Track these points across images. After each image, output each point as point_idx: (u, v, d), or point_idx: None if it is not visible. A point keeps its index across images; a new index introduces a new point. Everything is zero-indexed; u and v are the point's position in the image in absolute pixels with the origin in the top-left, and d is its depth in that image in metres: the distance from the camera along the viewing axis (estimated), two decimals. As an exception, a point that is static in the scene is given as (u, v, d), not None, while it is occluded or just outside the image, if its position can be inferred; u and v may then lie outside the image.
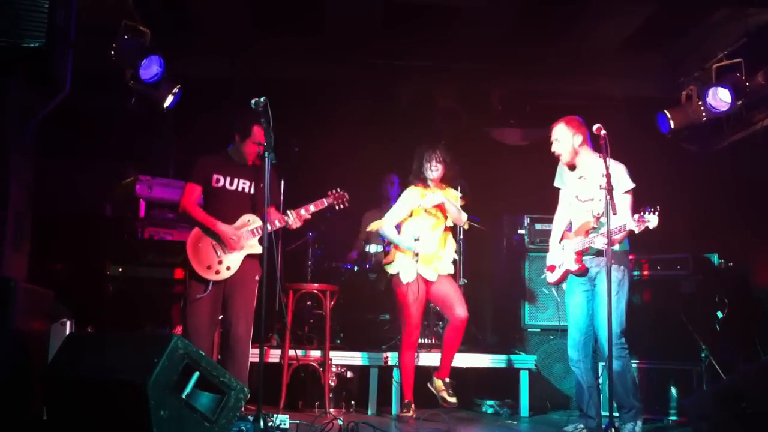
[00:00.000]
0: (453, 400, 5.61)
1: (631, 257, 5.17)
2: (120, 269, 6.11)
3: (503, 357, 6.36)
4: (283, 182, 5.85)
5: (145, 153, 7.56)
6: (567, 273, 5.09)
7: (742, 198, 6.84)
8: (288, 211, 5.17)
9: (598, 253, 4.91)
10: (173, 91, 6.43)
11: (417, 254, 5.54)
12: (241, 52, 7.23)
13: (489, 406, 6.29)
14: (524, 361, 6.29)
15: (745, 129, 6.91)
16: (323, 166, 7.38)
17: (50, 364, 4.29)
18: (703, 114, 6.59)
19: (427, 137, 6.06)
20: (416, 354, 5.80)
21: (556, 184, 5.28)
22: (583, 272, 4.97)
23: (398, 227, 5.75)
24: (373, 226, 5.87)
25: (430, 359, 5.99)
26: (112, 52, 6.02)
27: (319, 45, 7.23)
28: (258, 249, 5.05)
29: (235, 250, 5.00)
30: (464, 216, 5.73)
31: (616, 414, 4.82)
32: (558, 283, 5.28)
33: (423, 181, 5.71)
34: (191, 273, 4.97)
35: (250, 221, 5.10)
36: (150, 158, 7.54)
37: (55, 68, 4.67)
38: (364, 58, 7.31)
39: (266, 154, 4.49)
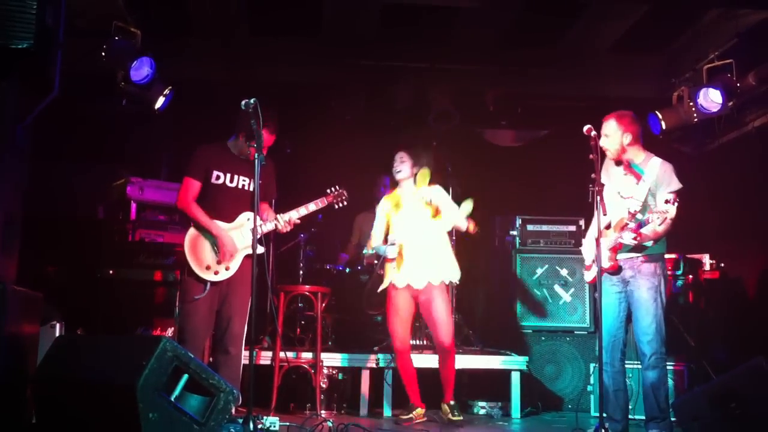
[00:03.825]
0: (455, 418, 5.45)
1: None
2: (111, 271, 6.10)
3: (495, 358, 6.36)
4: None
5: (138, 155, 7.55)
6: (602, 271, 4.86)
7: (733, 198, 6.85)
8: (278, 216, 5.09)
9: (633, 251, 4.81)
10: (164, 93, 6.42)
11: (390, 258, 5.47)
12: (236, 54, 7.22)
13: (481, 407, 6.29)
14: (516, 362, 6.28)
15: (736, 130, 6.93)
16: (317, 168, 7.37)
17: (39, 366, 4.28)
18: (695, 115, 6.59)
19: (419, 138, 6.04)
20: (410, 358, 5.63)
21: (601, 180, 5.06)
22: (616, 271, 4.85)
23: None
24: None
25: (421, 361, 5.96)
26: (103, 54, 6.02)
27: (314, 46, 7.22)
28: (258, 249, 4.99)
29: (227, 260, 4.92)
30: (463, 220, 5.48)
31: (611, 415, 4.84)
32: (594, 282, 5.02)
33: (395, 185, 5.70)
34: (189, 272, 4.88)
35: (250, 220, 4.99)
36: (143, 160, 7.53)
37: (45, 69, 4.65)
38: (358, 60, 7.30)
39: (256, 155, 4.46)
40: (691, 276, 6.56)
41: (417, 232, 5.49)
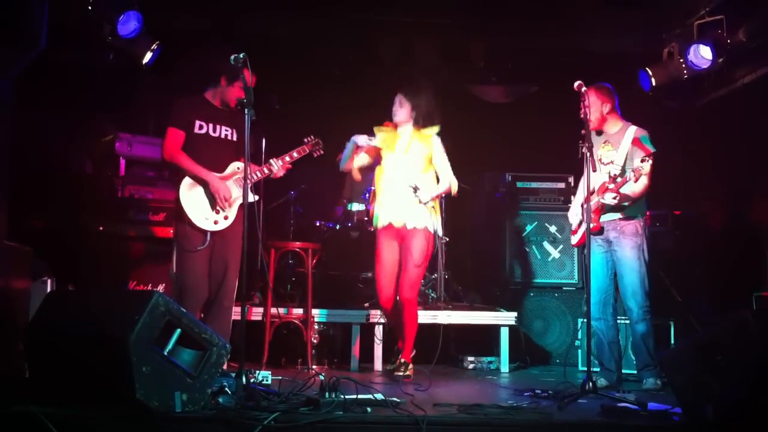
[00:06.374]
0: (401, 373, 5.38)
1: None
2: (100, 227, 6.08)
3: (484, 314, 6.42)
4: (264, 139, 5.82)
5: (125, 109, 7.44)
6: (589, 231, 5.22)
7: (720, 155, 6.87)
8: (272, 160, 5.07)
9: (614, 211, 5.13)
10: (152, 48, 6.34)
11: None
12: (220, 6, 7.09)
13: (470, 361, 6.37)
14: (505, 317, 6.35)
15: (726, 86, 6.91)
16: (305, 122, 7.30)
17: (31, 322, 4.26)
18: (685, 71, 6.59)
19: (420, 83, 5.90)
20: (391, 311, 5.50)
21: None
22: (599, 231, 5.15)
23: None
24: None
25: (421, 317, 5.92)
26: (90, 7, 5.91)
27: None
28: (252, 197, 4.95)
29: (225, 208, 4.91)
30: (454, 183, 5.47)
31: (595, 369, 5.00)
32: (580, 244, 5.41)
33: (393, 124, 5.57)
34: (188, 223, 4.85)
35: (240, 169, 4.96)
36: (131, 114, 7.43)
37: (30, 21, 4.56)
38: (344, 13, 7.20)
39: (246, 110, 4.42)
40: (678, 232, 6.62)
41: (405, 176, 5.35)
